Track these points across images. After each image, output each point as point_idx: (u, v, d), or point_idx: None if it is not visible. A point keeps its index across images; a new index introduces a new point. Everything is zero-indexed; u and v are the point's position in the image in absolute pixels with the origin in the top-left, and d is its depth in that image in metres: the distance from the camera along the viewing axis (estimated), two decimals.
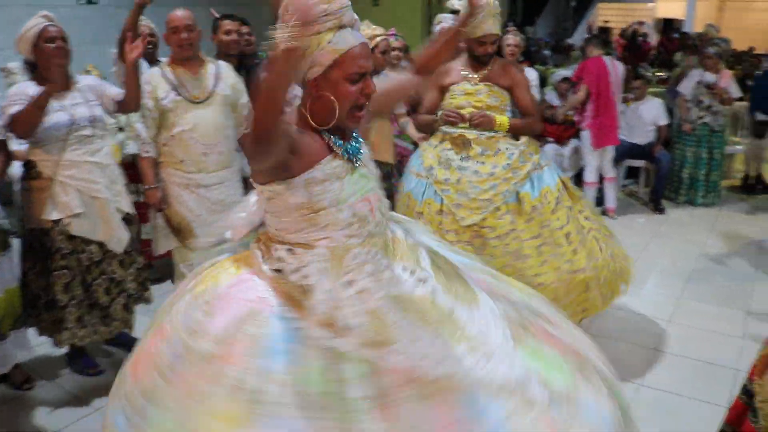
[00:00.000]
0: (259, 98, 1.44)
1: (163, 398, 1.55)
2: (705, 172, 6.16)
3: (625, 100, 6.13)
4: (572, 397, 1.64)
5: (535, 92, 5.23)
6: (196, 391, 1.51)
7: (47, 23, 2.87)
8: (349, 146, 1.72)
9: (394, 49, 4.59)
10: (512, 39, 5.02)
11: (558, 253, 3.14)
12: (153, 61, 3.98)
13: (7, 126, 2.83)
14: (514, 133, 3.27)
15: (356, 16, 1.67)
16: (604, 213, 5.87)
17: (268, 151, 1.52)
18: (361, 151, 1.76)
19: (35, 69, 2.93)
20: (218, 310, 1.61)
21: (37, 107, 2.76)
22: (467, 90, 3.28)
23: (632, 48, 11.39)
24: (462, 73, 3.30)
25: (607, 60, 5.65)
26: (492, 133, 3.23)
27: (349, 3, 1.63)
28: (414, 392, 1.49)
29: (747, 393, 1.91)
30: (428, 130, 3.45)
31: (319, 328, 1.54)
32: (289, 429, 1.45)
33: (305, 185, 1.62)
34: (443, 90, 3.32)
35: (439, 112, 3.29)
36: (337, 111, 1.63)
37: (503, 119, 3.22)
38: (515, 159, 3.22)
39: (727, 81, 6.03)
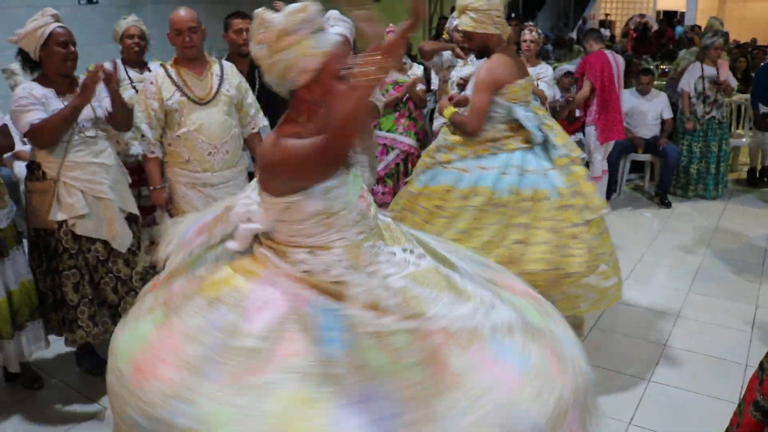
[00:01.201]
0: (347, 123, 1.59)
1: (203, 394, 1.59)
2: (715, 166, 6.14)
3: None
4: (547, 328, 1.88)
5: (547, 88, 5.18)
6: (247, 383, 1.58)
7: (56, 24, 2.85)
8: None
9: None
10: (528, 35, 5.02)
11: None
12: (139, 63, 3.97)
13: (27, 135, 2.83)
14: (453, 125, 3.25)
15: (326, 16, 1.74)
16: None
17: (336, 167, 1.70)
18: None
19: (34, 67, 2.92)
20: (254, 311, 1.68)
21: (68, 121, 2.80)
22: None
23: (644, 41, 11.35)
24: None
25: (609, 54, 5.62)
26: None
27: (320, 6, 1.69)
28: (455, 346, 1.66)
29: (761, 410, 1.86)
30: None
31: (364, 311, 1.66)
32: (358, 401, 1.57)
33: (323, 193, 1.73)
34: None
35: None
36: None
37: (450, 110, 3.24)
38: (433, 146, 3.32)
39: (726, 72, 6.00)
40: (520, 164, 3.11)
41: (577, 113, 6.05)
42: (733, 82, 6.10)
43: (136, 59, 3.96)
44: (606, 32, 13.63)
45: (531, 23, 5.29)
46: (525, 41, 5.04)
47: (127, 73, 3.88)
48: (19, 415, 2.97)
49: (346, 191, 1.77)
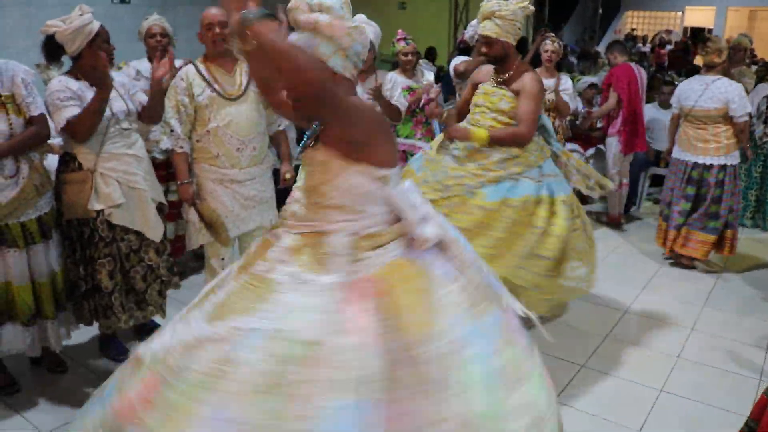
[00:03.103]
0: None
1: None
2: None
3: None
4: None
5: (569, 99, 5.23)
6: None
7: (98, 22, 2.95)
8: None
9: (405, 53, 4.61)
10: (550, 45, 5.07)
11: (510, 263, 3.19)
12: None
13: (65, 130, 2.92)
14: (498, 145, 3.25)
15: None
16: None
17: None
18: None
19: (57, 59, 2.99)
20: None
21: (97, 113, 2.90)
22: (486, 90, 3.39)
23: (682, 57, 11.28)
24: (491, 74, 3.41)
25: (634, 66, 5.65)
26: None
27: None
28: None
29: None
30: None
31: None
32: None
33: None
34: (475, 87, 3.46)
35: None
36: None
37: (481, 133, 3.21)
38: (492, 161, 3.29)
39: None
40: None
41: (599, 124, 6.07)
42: None
43: (161, 57, 4.06)
44: (643, 47, 13.60)
45: (553, 34, 5.33)
46: (546, 51, 5.09)
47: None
48: (43, 398, 3.06)
49: None
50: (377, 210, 1.79)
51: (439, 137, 3.55)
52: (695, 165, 4.68)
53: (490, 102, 3.34)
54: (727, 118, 4.53)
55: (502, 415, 1.64)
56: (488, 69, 3.44)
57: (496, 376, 1.68)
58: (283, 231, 1.82)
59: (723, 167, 4.61)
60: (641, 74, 5.63)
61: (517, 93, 3.27)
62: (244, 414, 1.51)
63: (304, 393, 1.52)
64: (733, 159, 4.65)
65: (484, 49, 3.28)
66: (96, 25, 2.93)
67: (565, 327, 3.83)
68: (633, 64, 5.70)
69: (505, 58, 3.28)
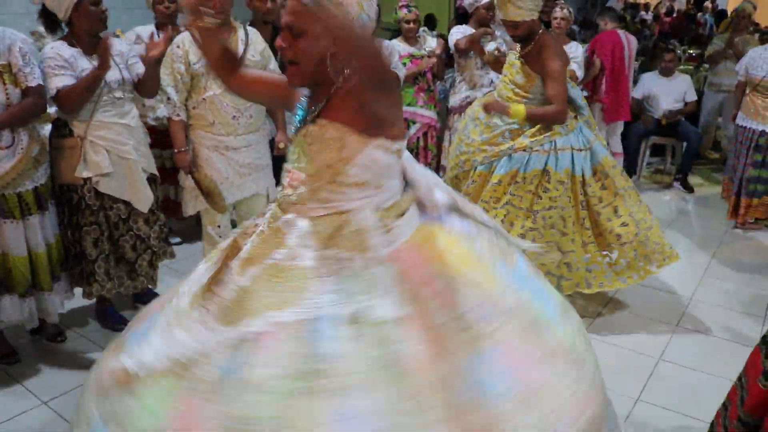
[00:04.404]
0: None
1: None
2: None
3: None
4: None
5: (577, 68, 5.16)
6: None
7: None
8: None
9: (407, 21, 4.53)
10: (559, 12, 4.98)
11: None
12: (173, 26, 4.01)
13: (54, 99, 2.89)
14: (532, 122, 3.27)
15: None
16: None
17: None
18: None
19: (56, 28, 2.96)
20: None
21: (89, 89, 2.87)
22: (511, 61, 3.41)
23: (686, 25, 11.10)
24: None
25: (621, 34, 5.57)
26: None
27: None
28: None
29: None
30: None
31: None
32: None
33: None
34: None
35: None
36: None
37: (519, 109, 3.21)
38: (495, 134, 3.35)
39: None
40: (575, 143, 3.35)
41: (584, 93, 6.00)
42: None
43: (170, 22, 4.02)
44: (645, 15, 13.41)
45: (563, 1, 5.25)
46: (555, 19, 4.99)
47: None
48: (43, 367, 3.06)
49: None
50: (395, 182, 1.75)
51: (478, 101, 3.60)
52: (762, 133, 4.74)
53: (511, 74, 3.36)
54: None
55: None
56: None
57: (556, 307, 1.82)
58: (295, 216, 1.69)
59: None
60: (629, 41, 5.55)
61: (537, 72, 3.26)
62: (374, 403, 1.40)
63: (426, 366, 1.46)
64: None
65: (510, 33, 3.28)
66: None
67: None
68: (621, 32, 5.61)
69: (531, 35, 3.26)
